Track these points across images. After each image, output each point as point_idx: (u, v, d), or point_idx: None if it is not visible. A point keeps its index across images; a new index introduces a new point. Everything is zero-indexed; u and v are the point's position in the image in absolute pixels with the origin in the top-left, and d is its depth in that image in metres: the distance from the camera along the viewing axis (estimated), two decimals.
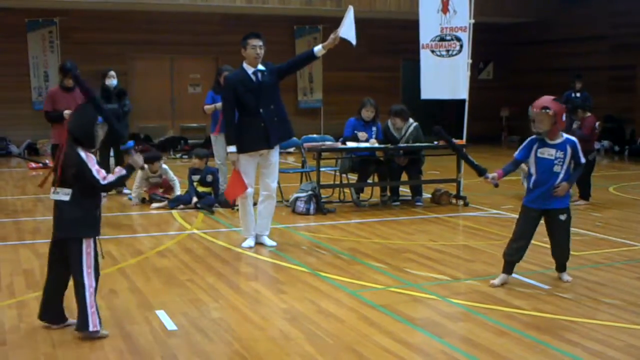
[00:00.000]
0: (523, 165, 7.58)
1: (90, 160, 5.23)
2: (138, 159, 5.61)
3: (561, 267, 6.88)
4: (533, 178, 6.65)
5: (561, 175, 6.55)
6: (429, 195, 11.46)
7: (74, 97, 9.81)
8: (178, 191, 11.08)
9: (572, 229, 8.90)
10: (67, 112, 9.76)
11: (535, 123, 6.56)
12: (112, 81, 12.02)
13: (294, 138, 12.08)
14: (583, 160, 6.69)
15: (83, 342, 5.24)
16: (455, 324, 5.71)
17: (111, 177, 5.34)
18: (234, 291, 6.66)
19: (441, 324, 5.69)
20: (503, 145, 21.97)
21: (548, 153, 6.58)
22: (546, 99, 6.57)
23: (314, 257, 7.83)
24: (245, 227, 8.32)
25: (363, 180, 11.32)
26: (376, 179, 11.34)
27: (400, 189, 11.64)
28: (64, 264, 5.37)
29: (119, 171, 5.42)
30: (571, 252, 6.88)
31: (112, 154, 12.09)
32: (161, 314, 5.85)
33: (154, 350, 5.08)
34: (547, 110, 6.46)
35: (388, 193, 11.38)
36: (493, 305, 6.12)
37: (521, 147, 6.78)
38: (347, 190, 11.62)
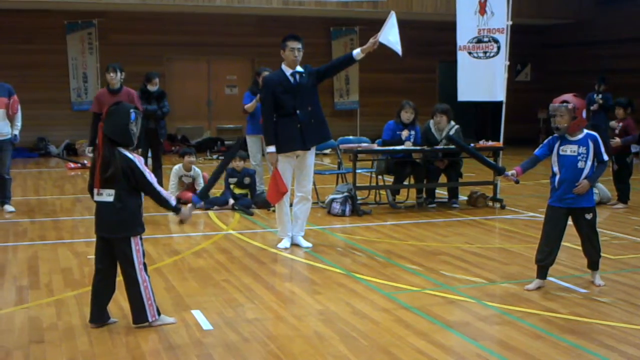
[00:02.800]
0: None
1: (140, 160, 5.33)
2: (188, 213, 5.90)
3: (593, 265, 6.77)
4: (557, 177, 6.56)
5: (585, 172, 6.46)
6: (465, 198, 11.41)
7: (120, 98, 9.88)
8: (201, 184, 10.99)
9: (611, 232, 8.83)
10: (88, 150, 9.93)
11: (554, 118, 6.49)
12: (154, 87, 12.02)
13: (331, 140, 12.15)
14: (606, 157, 6.59)
15: (120, 340, 5.29)
16: (490, 327, 5.68)
17: (162, 190, 5.47)
18: (269, 292, 6.69)
19: (476, 326, 5.66)
20: None
21: (570, 149, 6.50)
22: (566, 94, 6.54)
23: (349, 259, 7.83)
24: (282, 227, 8.34)
25: (399, 182, 11.29)
26: (412, 181, 11.30)
27: (437, 191, 11.60)
28: (111, 264, 5.47)
29: (169, 197, 5.52)
30: (602, 254, 6.80)
31: (149, 154, 12.15)
32: (197, 313, 5.89)
33: (190, 349, 5.11)
34: (567, 105, 6.40)
35: (424, 195, 11.34)
36: (529, 308, 6.08)
37: (542, 144, 6.74)
38: (382, 192, 11.61)
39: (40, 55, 19.00)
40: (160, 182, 12.15)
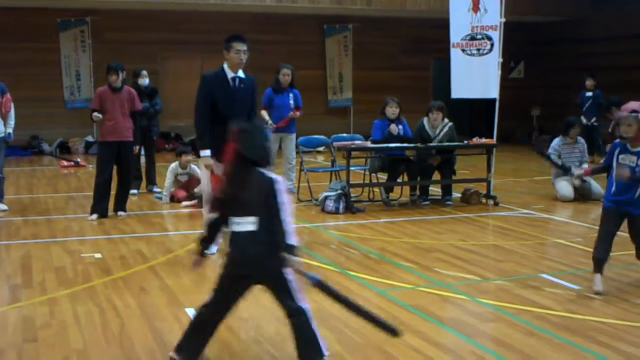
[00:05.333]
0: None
1: (283, 183, 4.65)
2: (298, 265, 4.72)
3: None
4: (614, 184, 6.52)
5: None
6: (459, 195, 11.41)
7: (121, 97, 9.89)
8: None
9: None
10: (96, 114, 9.83)
11: (621, 127, 6.44)
12: (144, 80, 12.13)
13: (324, 137, 12.22)
14: None
15: (114, 340, 5.28)
16: (485, 324, 5.68)
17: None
18: (263, 290, 6.67)
19: (471, 324, 5.67)
20: (533, 146, 21.80)
21: (629, 160, 6.46)
22: (636, 103, 6.46)
23: (343, 256, 7.83)
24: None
25: (393, 180, 11.30)
26: (406, 178, 11.31)
27: (430, 188, 11.60)
28: (234, 301, 4.75)
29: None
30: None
31: (142, 152, 12.13)
32: (191, 311, 5.86)
33: None
34: (637, 115, 6.34)
35: (417, 192, 11.35)
36: (523, 305, 6.09)
37: (606, 155, 6.71)
38: (376, 189, 11.60)
39: (33, 54, 18.93)
40: (153, 181, 12.18)
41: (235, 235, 4.54)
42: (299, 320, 4.68)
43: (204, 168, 7.64)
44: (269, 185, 4.51)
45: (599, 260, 6.50)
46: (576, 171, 6.59)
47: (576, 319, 5.76)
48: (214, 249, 7.91)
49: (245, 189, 4.51)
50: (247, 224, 4.49)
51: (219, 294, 4.66)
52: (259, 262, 4.56)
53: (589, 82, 16.13)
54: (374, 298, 6.27)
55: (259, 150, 4.60)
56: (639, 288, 6.62)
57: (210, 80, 7.59)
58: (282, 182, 4.57)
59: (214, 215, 4.72)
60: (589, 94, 16.07)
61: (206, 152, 7.48)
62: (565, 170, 6.58)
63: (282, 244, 4.54)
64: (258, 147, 4.60)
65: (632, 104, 6.45)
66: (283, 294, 4.67)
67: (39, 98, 18.88)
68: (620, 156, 6.50)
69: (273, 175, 4.57)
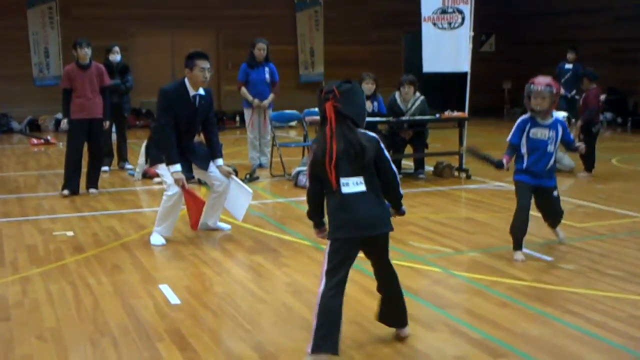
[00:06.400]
0: None
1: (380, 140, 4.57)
2: None
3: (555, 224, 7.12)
4: (525, 159, 6.63)
5: (553, 156, 6.64)
6: (432, 168, 11.45)
7: (90, 74, 9.80)
8: None
9: (576, 201, 8.95)
10: (64, 122, 9.83)
11: (534, 100, 6.51)
12: (115, 57, 12.00)
13: (295, 112, 12.23)
14: (573, 137, 6.87)
15: (87, 316, 5.26)
16: (457, 296, 5.72)
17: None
18: (236, 265, 6.69)
19: (444, 296, 5.70)
20: (505, 118, 21.89)
21: (541, 133, 6.58)
22: (547, 78, 6.61)
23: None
24: (167, 225, 7.44)
25: None
26: None
27: (403, 162, 11.63)
28: (348, 270, 4.47)
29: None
30: (567, 222, 7.02)
31: (113, 129, 12.04)
32: (165, 288, 5.87)
33: (158, 324, 5.09)
34: (552, 89, 6.46)
35: None
36: (495, 277, 6.13)
37: (513, 130, 6.71)
38: None
39: (0, 31, 18.69)
40: (125, 158, 12.11)
41: (346, 197, 4.37)
42: (395, 280, 4.73)
43: (169, 177, 7.26)
44: (376, 144, 4.44)
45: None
46: (504, 162, 6.67)
47: (548, 290, 5.81)
48: (227, 226, 7.87)
49: (355, 148, 4.33)
50: (357, 184, 4.37)
51: (336, 270, 4.38)
52: (372, 223, 4.42)
53: (570, 55, 16.14)
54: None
55: (361, 112, 4.52)
56: (610, 258, 6.68)
57: (171, 96, 7.22)
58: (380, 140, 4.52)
59: (311, 186, 4.62)
60: (569, 66, 16.09)
61: (177, 167, 7.18)
62: (497, 165, 6.66)
63: (397, 198, 4.66)
64: (359, 107, 4.52)
65: (545, 78, 6.57)
66: (384, 254, 4.63)
67: (7, 76, 18.68)
68: (532, 130, 6.60)
69: (374, 134, 4.49)
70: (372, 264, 4.70)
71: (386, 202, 4.56)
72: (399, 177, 4.61)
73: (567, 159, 11.34)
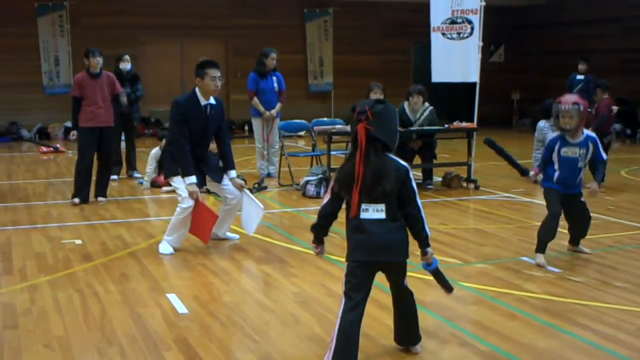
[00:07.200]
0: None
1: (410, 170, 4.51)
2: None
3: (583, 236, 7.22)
4: (557, 174, 6.73)
5: (582, 171, 6.77)
6: (440, 179, 11.44)
7: (100, 82, 9.85)
8: None
9: None
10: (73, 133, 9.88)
11: (562, 119, 6.57)
12: (125, 65, 12.03)
13: (304, 121, 12.26)
14: (605, 156, 6.87)
15: (95, 325, 5.26)
16: (465, 307, 5.71)
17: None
18: (245, 275, 6.69)
19: (451, 307, 5.69)
20: (514, 129, 21.90)
21: (572, 151, 6.65)
22: (574, 96, 6.67)
23: (325, 240, 7.80)
24: (177, 236, 7.44)
25: None
26: None
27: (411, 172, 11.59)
28: (368, 293, 4.49)
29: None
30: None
31: (123, 138, 12.09)
32: (172, 297, 5.87)
33: (166, 333, 5.10)
34: (579, 107, 6.48)
35: None
36: (503, 288, 6.12)
37: (545, 150, 6.86)
38: None
39: (10, 39, 18.74)
40: (134, 166, 12.13)
41: (364, 222, 4.35)
42: (411, 300, 4.73)
43: (184, 189, 7.24)
44: (405, 174, 4.38)
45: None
46: (532, 174, 6.71)
47: (556, 302, 5.80)
48: (236, 236, 7.88)
49: (381, 175, 4.28)
50: (377, 211, 4.34)
51: (354, 292, 4.38)
52: (388, 249, 4.41)
53: (582, 66, 16.11)
54: None
55: (393, 135, 4.41)
56: (618, 270, 6.67)
57: (184, 107, 7.20)
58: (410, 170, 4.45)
59: (330, 202, 4.57)
60: (580, 77, 16.05)
61: (192, 179, 7.17)
62: (523, 173, 6.69)
63: (420, 232, 4.52)
64: (392, 132, 4.41)
65: (571, 97, 6.61)
66: (399, 278, 4.64)
67: (18, 84, 18.75)
68: (563, 149, 6.66)
69: (405, 163, 4.42)
70: (390, 285, 4.71)
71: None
72: (424, 214, 4.50)
73: None
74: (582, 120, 6.54)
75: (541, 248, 6.76)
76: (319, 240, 4.73)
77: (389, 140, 4.36)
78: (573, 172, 6.70)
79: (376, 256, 4.40)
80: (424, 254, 4.62)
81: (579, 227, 7.08)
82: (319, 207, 4.70)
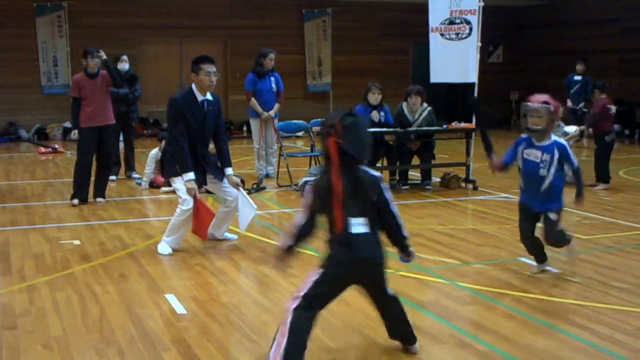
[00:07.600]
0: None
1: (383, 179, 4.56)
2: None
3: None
4: (521, 182, 6.43)
5: (547, 181, 6.17)
6: (438, 179, 11.45)
7: (97, 82, 9.85)
8: None
9: (583, 213, 8.92)
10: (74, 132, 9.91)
11: (530, 119, 6.14)
12: (124, 65, 12.02)
13: (303, 122, 12.26)
14: (577, 163, 6.26)
15: (94, 326, 5.27)
16: (463, 308, 5.72)
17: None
18: (243, 275, 6.70)
19: (450, 307, 5.70)
20: (513, 129, 21.89)
21: (534, 155, 6.21)
22: (544, 95, 6.18)
23: (323, 241, 7.81)
24: (177, 237, 7.44)
25: (372, 164, 11.28)
26: (385, 163, 11.31)
27: (410, 173, 11.62)
28: (330, 302, 4.54)
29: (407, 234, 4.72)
30: (576, 235, 6.89)
31: (121, 138, 12.09)
32: (171, 298, 5.87)
33: (164, 334, 5.10)
34: (548, 106, 6.07)
35: (397, 177, 11.36)
36: (501, 289, 6.13)
37: (509, 150, 6.43)
38: None
39: (9, 39, 18.71)
40: (132, 167, 12.14)
41: (350, 237, 4.30)
42: (397, 306, 4.70)
43: (185, 191, 7.23)
44: (377, 184, 4.40)
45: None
46: (492, 159, 6.43)
47: (554, 302, 5.81)
48: (234, 236, 7.89)
49: (358, 188, 4.30)
50: (360, 225, 4.32)
51: (316, 299, 4.37)
52: (370, 264, 4.42)
53: (579, 67, 16.11)
54: None
55: (364, 148, 4.40)
56: (616, 271, 6.67)
57: (180, 103, 7.20)
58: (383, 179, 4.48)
59: (304, 216, 4.50)
60: (578, 77, 16.05)
61: (190, 175, 7.15)
62: (486, 151, 6.41)
63: (399, 238, 4.58)
64: (363, 145, 4.39)
65: (541, 96, 6.15)
66: (380, 290, 4.59)
67: (16, 84, 18.74)
68: (525, 151, 6.27)
69: (376, 173, 4.45)
70: (372, 298, 4.66)
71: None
72: (400, 219, 4.56)
73: (570, 128, 11.36)
74: (552, 122, 6.13)
75: (535, 259, 6.65)
76: (289, 251, 4.61)
77: (358, 154, 4.34)
78: (533, 179, 6.21)
79: (357, 274, 4.43)
80: (407, 254, 4.69)
81: (547, 242, 6.47)
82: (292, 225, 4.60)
